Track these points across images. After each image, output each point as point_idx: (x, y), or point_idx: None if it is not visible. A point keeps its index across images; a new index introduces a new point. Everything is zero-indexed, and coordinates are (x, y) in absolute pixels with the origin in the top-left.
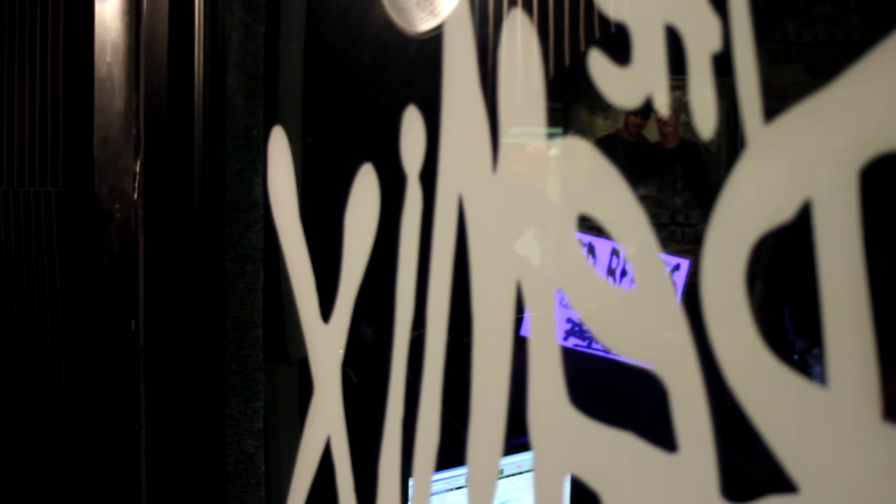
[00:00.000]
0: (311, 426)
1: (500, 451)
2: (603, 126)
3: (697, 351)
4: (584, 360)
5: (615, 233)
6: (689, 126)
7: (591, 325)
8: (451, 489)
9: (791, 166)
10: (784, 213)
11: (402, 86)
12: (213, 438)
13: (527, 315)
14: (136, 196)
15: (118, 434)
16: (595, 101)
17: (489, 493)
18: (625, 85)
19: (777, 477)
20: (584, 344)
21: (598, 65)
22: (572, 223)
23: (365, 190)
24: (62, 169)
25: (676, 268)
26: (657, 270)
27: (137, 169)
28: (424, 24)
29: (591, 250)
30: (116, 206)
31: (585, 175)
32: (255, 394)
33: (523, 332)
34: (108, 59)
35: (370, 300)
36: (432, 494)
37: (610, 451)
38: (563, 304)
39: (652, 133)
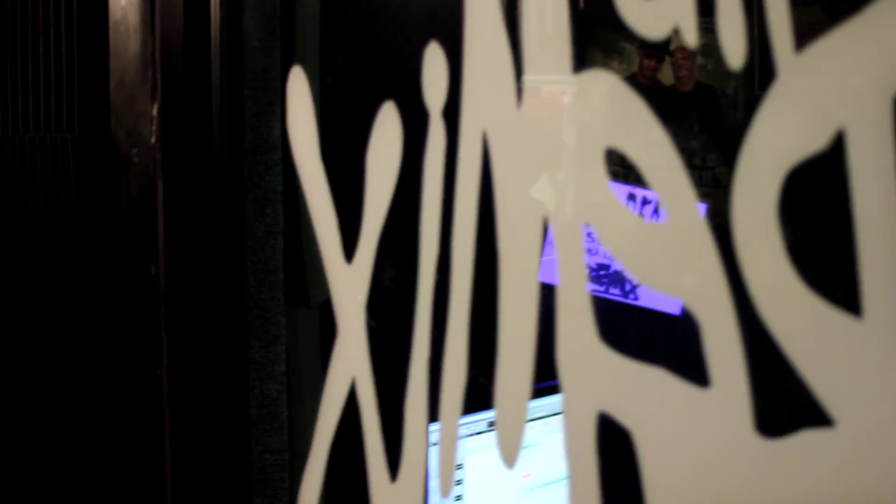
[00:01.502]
0: (336, 368)
1: (529, 394)
2: (618, 69)
3: (729, 284)
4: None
5: (640, 162)
6: (704, 69)
7: (622, 259)
8: (473, 434)
9: (823, 95)
10: (817, 142)
11: (423, 22)
12: (236, 383)
13: (546, 259)
14: (153, 140)
15: (140, 380)
16: (610, 44)
17: (517, 436)
18: (651, 14)
19: (812, 411)
20: (602, 289)
21: None
22: (600, 157)
23: (387, 128)
24: (78, 114)
25: None
26: (686, 198)
27: (154, 113)
28: None
29: None
30: (134, 150)
31: (613, 108)
32: (276, 337)
33: (542, 278)
34: (123, 2)
35: (394, 240)
36: (458, 438)
37: (641, 388)
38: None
39: (667, 76)
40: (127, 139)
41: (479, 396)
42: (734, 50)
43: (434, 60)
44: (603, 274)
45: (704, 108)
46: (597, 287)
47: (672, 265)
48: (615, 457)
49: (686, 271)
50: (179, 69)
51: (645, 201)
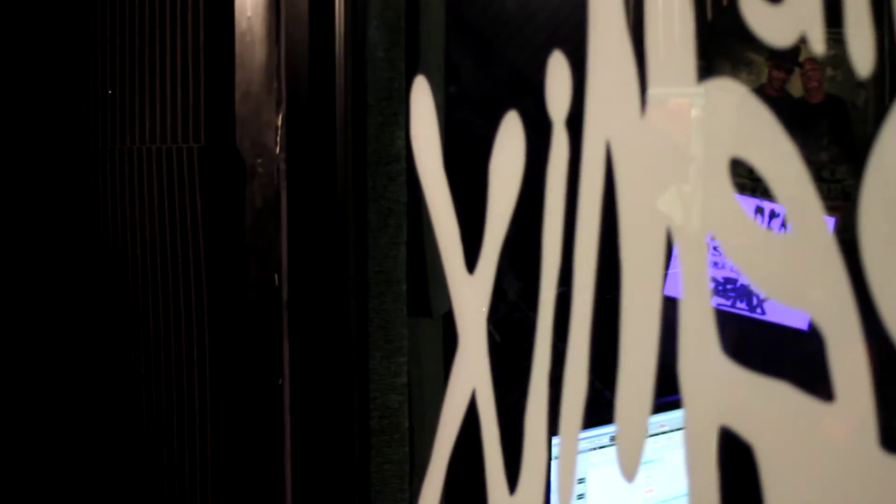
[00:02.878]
0: (456, 379)
1: (650, 409)
2: (746, 80)
3: (856, 299)
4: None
5: (768, 174)
6: (834, 80)
7: (747, 272)
8: (596, 448)
9: None
10: None
11: (547, 31)
12: (357, 394)
13: (673, 272)
14: (278, 150)
15: (262, 390)
16: (738, 56)
17: (637, 450)
18: (778, 21)
19: None
20: (728, 304)
21: (751, 2)
22: (724, 167)
23: (510, 138)
24: (204, 124)
25: None
26: (814, 211)
27: (279, 123)
28: None
29: None
30: (258, 160)
31: (739, 118)
32: (398, 349)
33: (667, 292)
34: (249, 13)
35: (516, 251)
36: (579, 452)
37: (764, 402)
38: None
39: (796, 88)
40: (252, 149)
41: (603, 410)
42: (863, 58)
43: (558, 69)
44: (730, 288)
45: (834, 120)
46: (723, 301)
47: (798, 278)
48: (736, 472)
49: (812, 285)
50: (304, 80)
51: (773, 214)
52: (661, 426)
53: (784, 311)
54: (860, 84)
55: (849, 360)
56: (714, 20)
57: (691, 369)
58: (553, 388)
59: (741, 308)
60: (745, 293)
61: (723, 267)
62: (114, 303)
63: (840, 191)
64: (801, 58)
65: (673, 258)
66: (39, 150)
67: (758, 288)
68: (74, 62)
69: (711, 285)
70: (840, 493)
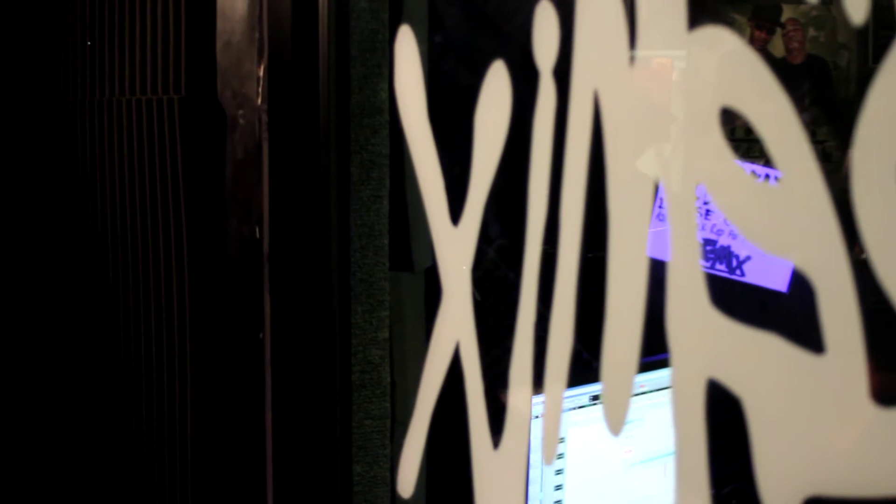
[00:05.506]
0: (440, 332)
1: (636, 366)
2: None
3: (847, 249)
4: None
5: (759, 125)
6: (816, 41)
7: (736, 221)
8: (575, 407)
9: None
10: None
11: None
12: (339, 348)
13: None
14: (259, 101)
15: (242, 343)
16: (720, 16)
17: (623, 409)
18: None
19: None
20: (708, 265)
21: None
22: (715, 116)
23: (496, 88)
24: (185, 75)
25: None
26: (806, 159)
27: (261, 74)
28: None
29: None
30: (240, 111)
31: (729, 66)
32: (380, 303)
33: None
34: None
35: (501, 203)
36: (564, 411)
37: (754, 353)
38: None
39: (778, 49)
40: (233, 100)
41: (581, 370)
42: (856, 4)
43: (545, 17)
44: (709, 249)
45: (815, 81)
46: (702, 263)
47: (788, 228)
48: (724, 426)
49: (802, 235)
50: (286, 30)
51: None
52: (641, 386)
53: (764, 272)
54: (842, 45)
55: (839, 311)
56: None
57: (680, 321)
58: (537, 347)
59: (720, 270)
60: (724, 254)
61: (702, 228)
62: (92, 256)
63: (821, 152)
64: (783, 18)
65: (654, 218)
66: (13, 102)
67: (747, 238)
68: (50, 11)
69: (699, 235)
70: (830, 445)
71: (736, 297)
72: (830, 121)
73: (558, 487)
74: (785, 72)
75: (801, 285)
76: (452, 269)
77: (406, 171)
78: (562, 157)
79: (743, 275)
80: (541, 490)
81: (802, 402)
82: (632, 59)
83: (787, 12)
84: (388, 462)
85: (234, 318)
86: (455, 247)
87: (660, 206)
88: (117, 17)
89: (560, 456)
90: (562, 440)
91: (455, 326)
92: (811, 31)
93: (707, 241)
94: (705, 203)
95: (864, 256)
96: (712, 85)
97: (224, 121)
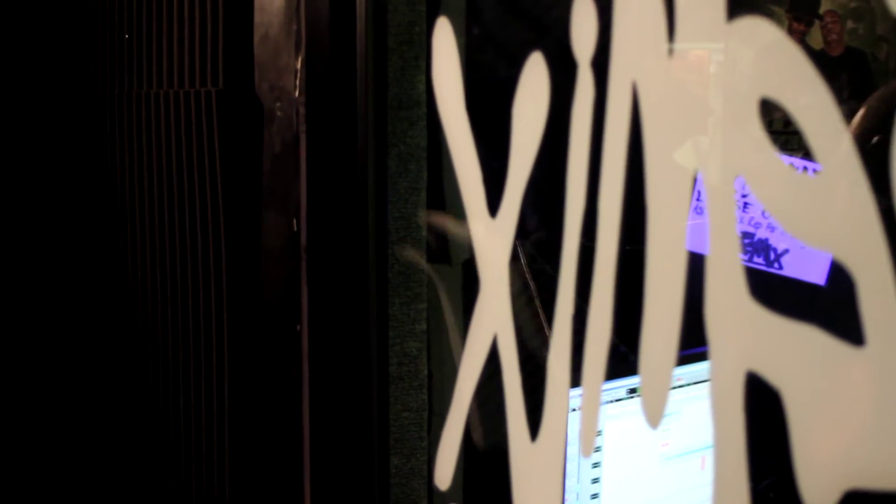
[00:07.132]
0: (477, 324)
1: (675, 359)
2: None
3: (889, 241)
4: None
5: (799, 117)
6: (855, 33)
7: (776, 213)
8: (612, 401)
9: None
10: None
11: None
12: (377, 340)
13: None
14: (297, 94)
15: (280, 336)
16: (758, 8)
17: (661, 402)
18: None
19: None
20: (746, 258)
21: None
22: (754, 108)
23: (534, 79)
24: (223, 68)
25: None
26: (846, 151)
27: (298, 66)
28: None
29: None
30: (277, 104)
31: (769, 57)
32: (417, 295)
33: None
34: None
35: (540, 195)
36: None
37: (793, 346)
38: None
39: (816, 41)
40: (270, 93)
41: (618, 364)
42: None
43: (583, 9)
44: (747, 242)
45: (854, 74)
46: (741, 256)
47: (828, 220)
48: (763, 419)
49: (843, 225)
50: (324, 23)
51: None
52: (678, 380)
53: (802, 265)
54: (881, 37)
55: (880, 303)
56: None
57: (719, 313)
58: (575, 339)
59: (758, 263)
60: (762, 247)
61: (740, 221)
62: (128, 248)
63: None
64: (822, 10)
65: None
66: (49, 95)
67: (789, 231)
68: (87, 4)
69: (738, 226)
70: (870, 439)
71: (775, 290)
72: None
73: (595, 480)
74: (823, 64)
75: (839, 278)
76: (490, 260)
77: (443, 164)
78: (600, 150)
79: (781, 268)
80: (578, 482)
81: (842, 395)
82: (670, 50)
83: (826, 4)
84: (426, 454)
85: (271, 310)
86: (493, 238)
87: (697, 199)
88: (155, 9)
89: (597, 449)
90: (599, 433)
91: (493, 319)
92: (850, 23)
93: (745, 234)
94: (743, 196)
95: None
96: (751, 76)
97: (261, 113)
